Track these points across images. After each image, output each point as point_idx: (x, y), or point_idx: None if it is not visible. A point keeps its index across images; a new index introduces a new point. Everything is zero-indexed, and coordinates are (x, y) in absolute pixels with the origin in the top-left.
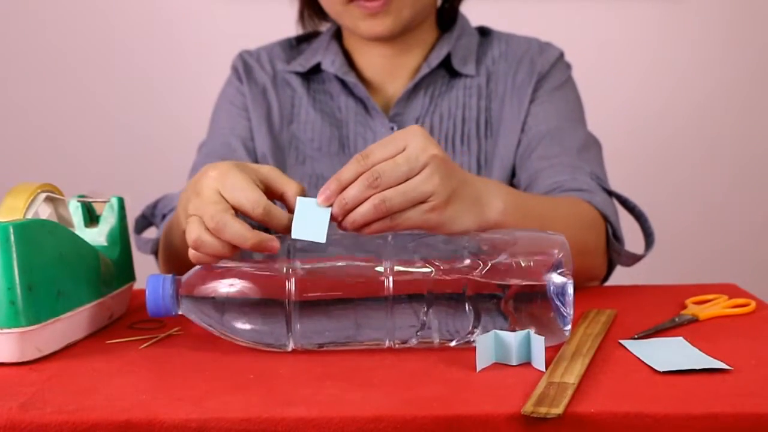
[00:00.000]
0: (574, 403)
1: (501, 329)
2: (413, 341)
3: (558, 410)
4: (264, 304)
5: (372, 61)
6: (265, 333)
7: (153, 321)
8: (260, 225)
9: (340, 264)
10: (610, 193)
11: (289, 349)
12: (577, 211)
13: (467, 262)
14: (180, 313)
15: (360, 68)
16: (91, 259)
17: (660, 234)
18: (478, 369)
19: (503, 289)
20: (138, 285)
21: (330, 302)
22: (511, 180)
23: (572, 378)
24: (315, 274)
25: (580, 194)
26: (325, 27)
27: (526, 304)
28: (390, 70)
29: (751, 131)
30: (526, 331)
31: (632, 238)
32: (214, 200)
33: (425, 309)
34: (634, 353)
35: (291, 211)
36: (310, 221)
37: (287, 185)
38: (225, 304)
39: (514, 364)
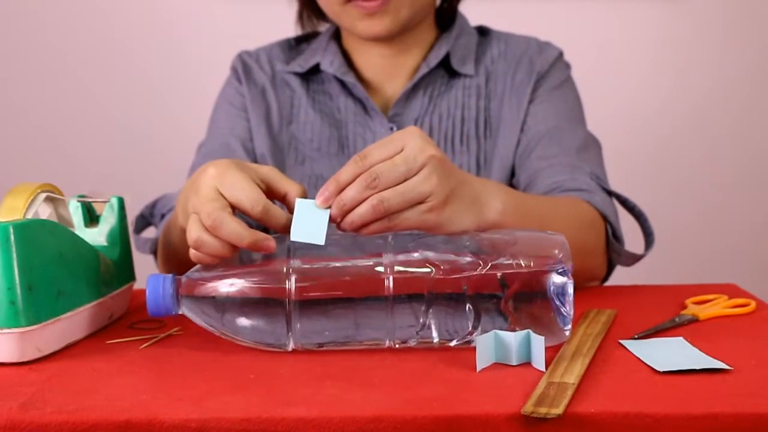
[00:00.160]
0: (574, 403)
1: (501, 329)
2: (413, 341)
3: (558, 410)
4: (264, 303)
5: (371, 61)
6: (265, 333)
7: (153, 321)
8: (258, 225)
9: (340, 264)
10: (610, 193)
11: (289, 348)
12: (576, 211)
13: (467, 261)
14: (180, 313)
15: (359, 68)
16: (91, 259)
17: (660, 234)
18: (478, 369)
19: (503, 288)
20: (138, 285)
21: (330, 302)
22: (511, 180)
23: (572, 378)
24: (315, 274)
25: (579, 194)
26: (324, 27)
27: (526, 304)
28: (389, 70)
29: (751, 131)
30: (526, 331)
31: (632, 238)
32: (212, 198)
33: (425, 309)
34: (634, 353)
35: (292, 211)
36: (309, 223)
37: (289, 186)
38: (225, 304)
39: (514, 364)
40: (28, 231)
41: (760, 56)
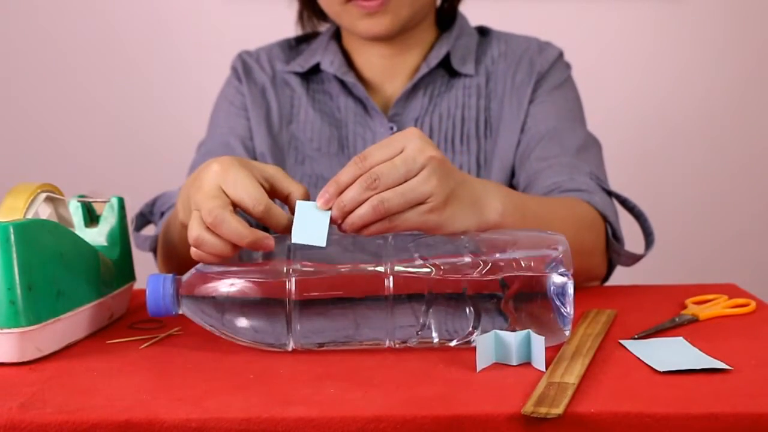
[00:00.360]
0: (574, 403)
1: (501, 329)
2: (413, 341)
3: (558, 410)
4: (264, 303)
5: (371, 61)
6: (265, 332)
7: (153, 321)
8: (258, 224)
9: (340, 264)
10: (610, 193)
11: (289, 348)
12: (576, 212)
13: (467, 261)
14: (180, 312)
15: (359, 68)
16: (91, 259)
17: (660, 234)
18: (478, 369)
19: (503, 289)
20: (138, 285)
21: (330, 302)
22: (511, 180)
23: (572, 378)
24: (315, 274)
25: (579, 194)
26: (324, 27)
27: (526, 304)
28: (389, 70)
29: (751, 131)
30: (526, 331)
31: (632, 238)
32: (214, 195)
33: (425, 309)
34: (634, 353)
35: (293, 213)
36: (310, 225)
37: (293, 186)
38: (225, 304)
39: (514, 364)
40: (28, 231)
41: (760, 56)
